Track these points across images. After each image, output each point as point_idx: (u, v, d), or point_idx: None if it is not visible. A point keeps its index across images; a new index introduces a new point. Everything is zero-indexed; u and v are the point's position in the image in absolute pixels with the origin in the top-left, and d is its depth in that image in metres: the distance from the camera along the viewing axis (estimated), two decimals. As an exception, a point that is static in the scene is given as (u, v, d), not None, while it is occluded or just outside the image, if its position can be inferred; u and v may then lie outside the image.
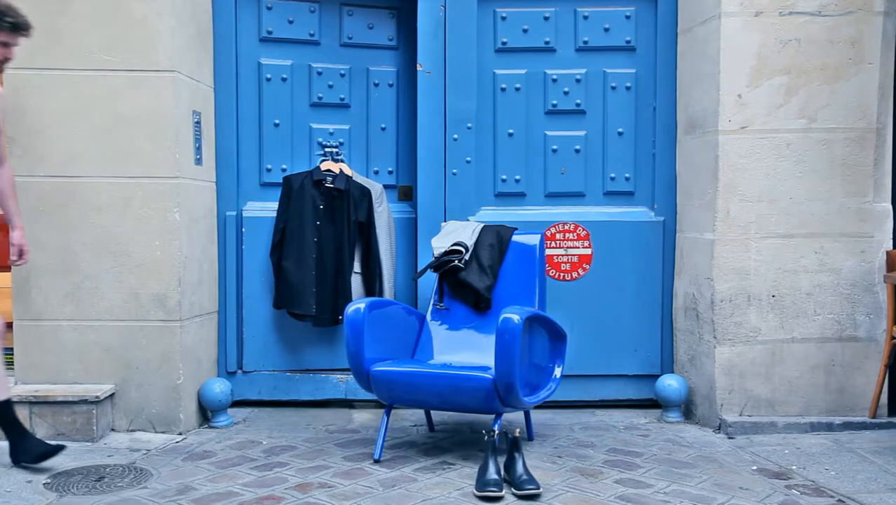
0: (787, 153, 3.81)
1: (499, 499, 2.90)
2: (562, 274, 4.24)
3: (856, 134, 3.80)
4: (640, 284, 4.23)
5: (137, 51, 3.65)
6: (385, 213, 4.21)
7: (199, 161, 3.93)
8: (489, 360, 3.44)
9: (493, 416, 3.38)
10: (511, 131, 4.24)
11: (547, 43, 4.23)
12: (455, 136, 4.18)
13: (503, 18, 4.22)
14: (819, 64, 3.78)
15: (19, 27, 3.10)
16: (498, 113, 4.24)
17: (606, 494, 2.96)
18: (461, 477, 3.14)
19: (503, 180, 4.26)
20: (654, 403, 4.20)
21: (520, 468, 3.00)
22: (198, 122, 3.91)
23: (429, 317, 3.85)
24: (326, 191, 4.09)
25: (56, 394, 3.58)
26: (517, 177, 4.26)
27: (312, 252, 4.09)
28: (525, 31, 4.22)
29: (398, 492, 2.98)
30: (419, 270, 4.02)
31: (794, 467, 3.31)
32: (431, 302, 3.88)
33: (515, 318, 3.11)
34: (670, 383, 4.04)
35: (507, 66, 4.24)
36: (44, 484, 3.05)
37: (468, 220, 4.18)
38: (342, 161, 4.22)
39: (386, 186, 4.29)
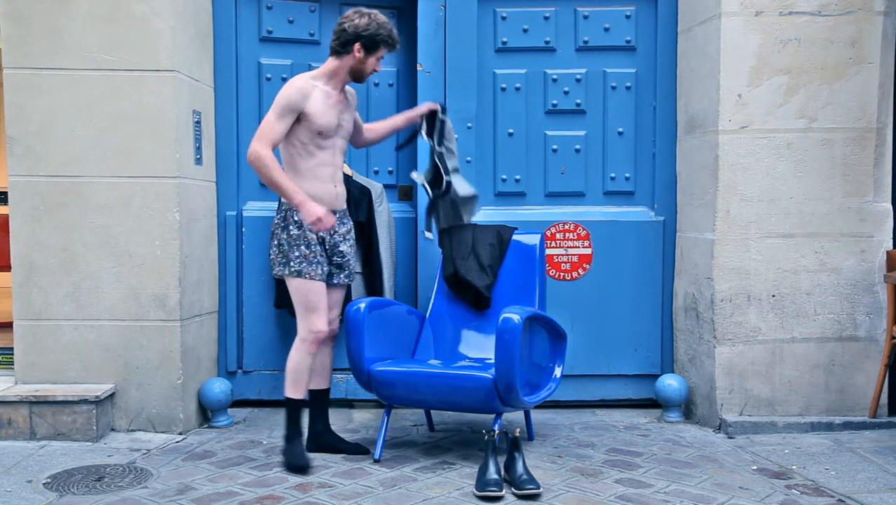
0: (787, 153, 3.81)
1: (499, 499, 2.90)
2: (562, 274, 4.24)
3: (856, 134, 3.80)
4: (640, 284, 4.23)
5: (137, 50, 3.65)
6: (385, 213, 4.21)
7: (199, 161, 3.93)
8: (489, 360, 3.44)
9: (493, 415, 3.38)
10: (511, 131, 4.24)
11: (547, 43, 4.23)
12: (455, 135, 4.18)
13: (503, 18, 4.22)
14: (819, 64, 3.78)
15: (395, 46, 3.40)
16: (498, 113, 4.24)
17: (606, 493, 2.96)
18: (461, 477, 3.14)
19: (503, 180, 4.26)
20: (654, 403, 4.20)
21: (520, 468, 3.00)
22: (198, 122, 3.91)
23: (429, 317, 3.85)
24: (326, 191, 4.08)
25: (56, 394, 3.58)
26: (517, 177, 4.26)
27: (312, 252, 4.08)
28: (525, 30, 4.22)
29: (398, 492, 2.98)
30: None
31: (794, 467, 3.31)
32: (431, 301, 3.88)
33: (515, 317, 3.11)
34: (670, 383, 4.04)
35: (507, 66, 4.24)
36: (44, 484, 3.06)
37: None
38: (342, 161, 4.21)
39: (386, 186, 4.29)
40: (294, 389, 3.35)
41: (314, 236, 3.30)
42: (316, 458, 3.39)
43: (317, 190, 3.29)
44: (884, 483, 3.11)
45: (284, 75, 4.22)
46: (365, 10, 3.34)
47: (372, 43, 3.30)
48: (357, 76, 3.37)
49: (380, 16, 3.32)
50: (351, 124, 3.45)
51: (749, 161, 3.81)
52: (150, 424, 3.74)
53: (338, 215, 3.39)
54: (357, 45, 3.30)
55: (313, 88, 3.27)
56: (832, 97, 3.79)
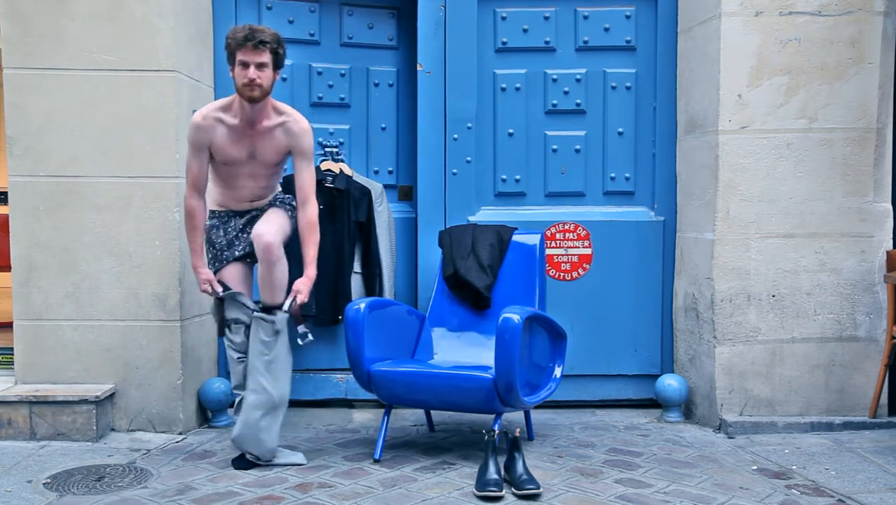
0: (787, 153, 3.81)
1: (499, 499, 2.90)
2: (562, 274, 4.24)
3: (856, 134, 3.80)
4: (640, 284, 4.23)
5: (137, 51, 3.65)
6: (385, 213, 4.21)
7: (199, 161, 3.93)
8: (489, 359, 3.44)
9: (493, 416, 3.38)
10: (511, 131, 4.24)
11: (547, 43, 4.23)
12: (455, 136, 4.18)
13: (503, 18, 4.22)
14: (819, 64, 3.78)
15: (247, 39, 3.03)
16: (498, 113, 4.24)
17: (606, 493, 2.96)
18: (461, 477, 3.14)
19: (503, 180, 4.26)
20: (654, 403, 4.20)
21: (520, 468, 3.00)
22: (198, 122, 3.91)
23: (429, 317, 3.85)
24: (326, 191, 4.08)
25: (56, 394, 3.58)
26: (517, 177, 4.26)
27: (312, 252, 4.08)
28: (525, 30, 4.22)
29: (398, 492, 2.98)
30: None
31: (794, 467, 3.31)
32: (431, 301, 3.88)
33: (515, 317, 3.11)
34: (670, 383, 4.04)
35: (507, 66, 4.24)
36: (44, 484, 3.06)
37: (468, 220, 4.18)
38: (342, 161, 4.22)
39: (386, 186, 4.29)
40: None
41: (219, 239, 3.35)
42: (316, 457, 3.40)
43: (224, 199, 3.35)
44: (884, 483, 3.11)
45: (284, 76, 4.21)
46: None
47: (228, 51, 3.11)
48: (240, 94, 3.11)
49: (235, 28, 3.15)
50: (274, 155, 3.24)
51: (749, 161, 3.81)
52: (150, 424, 3.74)
53: (251, 214, 3.36)
54: (230, 67, 3.15)
55: (216, 123, 3.16)
56: (832, 97, 3.79)
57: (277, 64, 3.16)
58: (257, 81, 3.06)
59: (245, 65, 3.06)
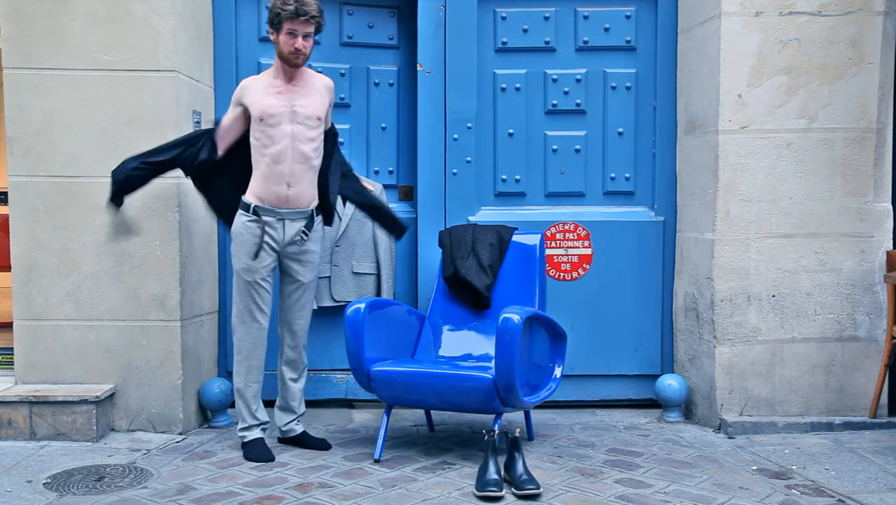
0: (787, 153, 3.81)
1: (499, 499, 2.90)
2: (562, 274, 4.24)
3: (856, 134, 3.80)
4: (640, 284, 4.23)
5: (138, 51, 3.65)
6: (385, 213, 4.21)
7: (199, 161, 3.93)
8: (489, 360, 3.44)
9: (493, 416, 3.38)
10: (511, 131, 4.24)
11: (547, 43, 4.23)
12: (455, 136, 4.18)
13: (503, 18, 4.22)
14: (819, 64, 3.78)
15: (298, 13, 3.23)
16: (498, 113, 4.24)
17: (606, 493, 2.96)
18: (461, 477, 3.14)
19: (503, 180, 4.26)
20: (654, 403, 4.20)
21: (520, 468, 3.00)
22: (198, 122, 3.91)
23: (429, 317, 3.85)
24: (326, 191, 4.09)
25: (56, 394, 3.58)
26: (517, 177, 4.26)
27: (312, 252, 4.08)
28: (525, 30, 4.22)
29: (398, 492, 2.98)
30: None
31: (794, 467, 3.31)
32: (431, 301, 3.89)
33: (515, 317, 3.11)
34: (670, 383, 4.04)
35: (507, 66, 4.24)
36: (44, 484, 3.06)
37: (468, 220, 4.18)
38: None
39: (386, 186, 4.29)
40: None
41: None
42: (316, 458, 3.40)
43: (262, 191, 3.35)
44: (884, 483, 3.11)
45: (284, 75, 4.22)
46: None
47: (275, 19, 3.29)
48: (283, 59, 3.34)
49: None
50: (314, 111, 3.38)
51: (749, 161, 3.81)
52: (150, 424, 3.75)
53: (291, 218, 3.39)
54: (269, 29, 3.35)
55: (254, 82, 3.40)
56: (832, 97, 3.79)
57: (318, 31, 3.40)
58: (303, 51, 3.31)
59: (293, 34, 3.28)
